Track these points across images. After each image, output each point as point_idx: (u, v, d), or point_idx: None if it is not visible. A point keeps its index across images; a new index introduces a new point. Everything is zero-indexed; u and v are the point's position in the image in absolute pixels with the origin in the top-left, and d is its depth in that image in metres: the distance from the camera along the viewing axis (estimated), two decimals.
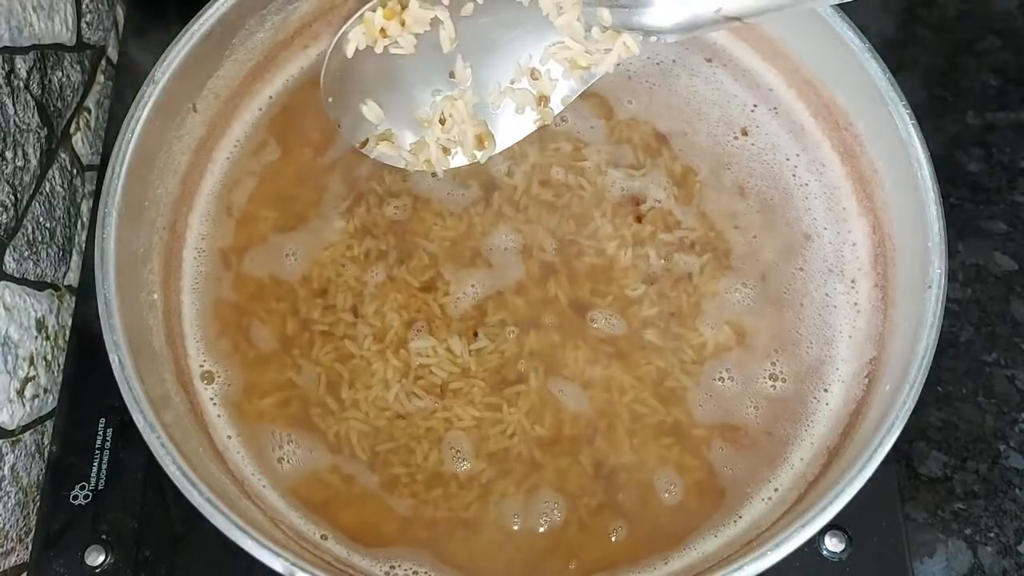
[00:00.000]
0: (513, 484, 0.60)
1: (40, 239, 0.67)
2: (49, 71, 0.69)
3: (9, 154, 0.63)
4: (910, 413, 0.54)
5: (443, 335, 0.64)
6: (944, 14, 0.89)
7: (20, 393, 0.64)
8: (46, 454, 0.66)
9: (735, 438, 0.62)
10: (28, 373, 0.65)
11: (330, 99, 0.66)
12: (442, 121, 0.67)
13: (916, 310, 0.57)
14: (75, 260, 0.73)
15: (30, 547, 0.63)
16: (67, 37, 0.73)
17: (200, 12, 0.64)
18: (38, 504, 0.64)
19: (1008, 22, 0.88)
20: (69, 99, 0.73)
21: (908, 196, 0.60)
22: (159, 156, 0.64)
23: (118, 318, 0.57)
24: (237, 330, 0.65)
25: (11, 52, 0.64)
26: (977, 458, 0.72)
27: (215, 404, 0.63)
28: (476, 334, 0.64)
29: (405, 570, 0.58)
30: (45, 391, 0.67)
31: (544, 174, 0.69)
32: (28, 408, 0.65)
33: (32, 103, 0.66)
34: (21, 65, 0.65)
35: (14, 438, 0.63)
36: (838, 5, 0.62)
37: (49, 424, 0.67)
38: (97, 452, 0.64)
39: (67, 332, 0.70)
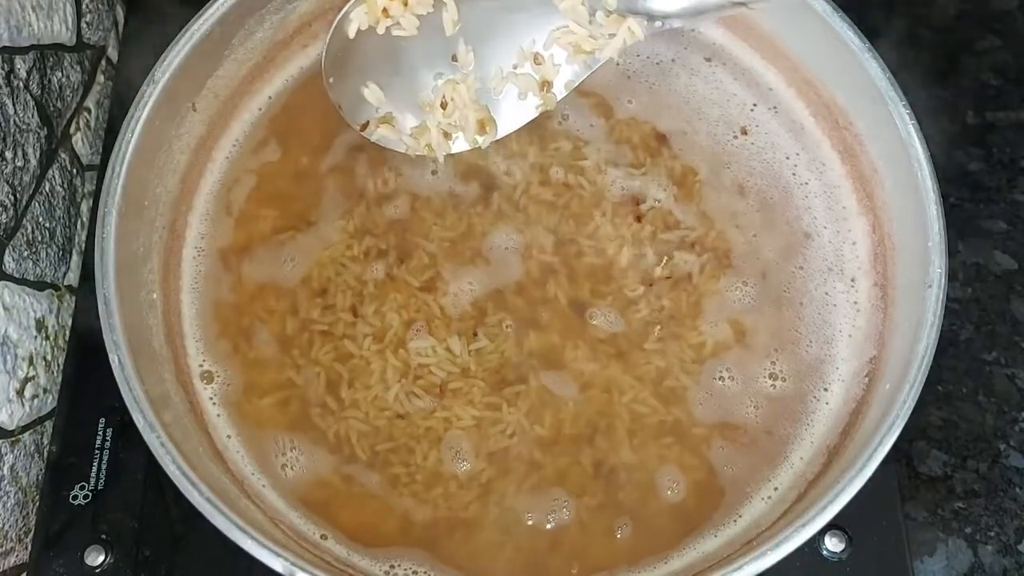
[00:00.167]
0: (513, 484, 0.60)
1: (40, 239, 0.67)
2: (49, 71, 0.69)
3: (9, 154, 0.63)
4: (910, 412, 0.54)
5: (443, 335, 0.64)
6: (944, 14, 0.88)
7: (20, 393, 0.64)
8: (46, 454, 0.66)
9: (735, 437, 0.62)
10: (28, 373, 0.65)
11: (331, 80, 0.66)
12: (444, 105, 0.67)
13: (916, 309, 0.57)
14: (75, 260, 0.73)
15: (30, 547, 0.63)
16: (67, 37, 0.73)
17: (200, 12, 0.64)
18: (38, 504, 0.64)
19: (1008, 22, 0.88)
20: (69, 99, 0.73)
21: (908, 195, 0.60)
22: (159, 155, 0.64)
23: (118, 318, 0.57)
24: (237, 330, 0.65)
25: (11, 52, 0.64)
26: (977, 457, 0.72)
27: (215, 404, 0.63)
28: (476, 334, 0.64)
29: (405, 570, 0.58)
30: (45, 391, 0.67)
31: (544, 173, 0.69)
32: (28, 408, 0.65)
33: (32, 103, 0.66)
34: (21, 65, 0.65)
35: (14, 438, 0.63)
36: (838, 3, 0.62)
37: (49, 424, 0.67)
38: (97, 452, 0.64)
39: (67, 332, 0.70)
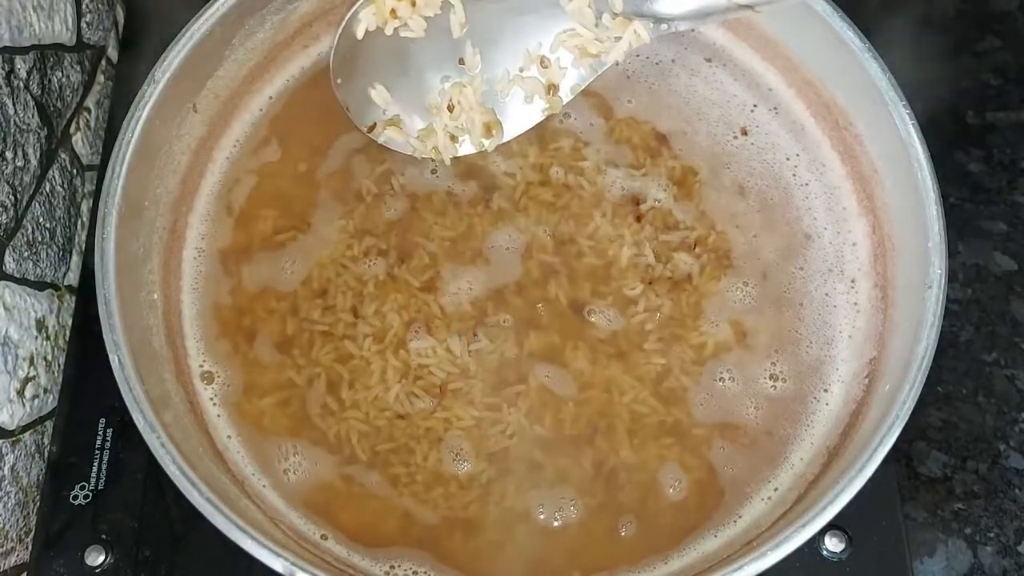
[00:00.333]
0: (513, 484, 0.60)
1: (40, 239, 0.67)
2: (49, 71, 0.69)
3: (9, 154, 0.63)
4: (910, 413, 0.54)
5: (443, 335, 0.64)
6: (944, 14, 0.88)
7: (20, 393, 0.64)
8: (46, 454, 0.66)
9: (735, 438, 0.62)
10: (28, 373, 0.65)
11: (339, 81, 0.66)
12: (450, 108, 0.67)
13: (916, 310, 0.57)
14: (75, 260, 0.73)
15: (30, 547, 0.63)
16: (67, 37, 0.73)
17: (200, 12, 0.64)
18: (38, 504, 0.64)
19: (1008, 22, 0.88)
20: (69, 99, 0.73)
21: (908, 196, 0.60)
22: (159, 156, 0.64)
23: (118, 318, 0.57)
24: (237, 330, 0.65)
25: (11, 52, 0.64)
26: (977, 458, 0.72)
27: (215, 404, 0.63)
28: (476, 334, 0.64)
29: (405, 570, 0.58)
30: (45, 391, 0.67)
31: (544, 173, 0.69)
32: (28, 408, 0.65)
33: (32, 103, 0.66)
34: (21, 65, 0.65)
35: (14, 438, 0.63)
36: (838, 3, 0.62)
37: (49, 424, 0.67)
38: (97, 452, 0.64)
39: (67, 332, 0.70)
